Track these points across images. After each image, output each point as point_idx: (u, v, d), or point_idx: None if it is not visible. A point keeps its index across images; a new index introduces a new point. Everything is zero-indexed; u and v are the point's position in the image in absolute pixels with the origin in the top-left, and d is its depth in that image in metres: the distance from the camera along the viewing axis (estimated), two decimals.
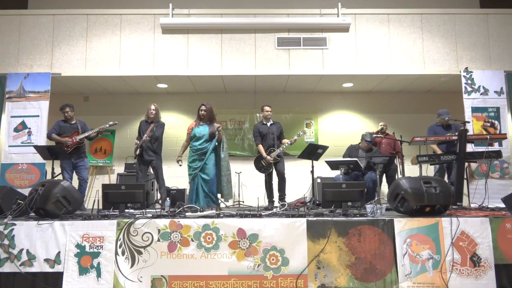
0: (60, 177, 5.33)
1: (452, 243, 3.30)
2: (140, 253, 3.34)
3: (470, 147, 5.13)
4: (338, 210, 3.80)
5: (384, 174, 5.74)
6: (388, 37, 6.34)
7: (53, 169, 5.19)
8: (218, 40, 6.32)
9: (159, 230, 3.37)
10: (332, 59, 6.29)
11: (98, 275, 3.28)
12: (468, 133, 5.02)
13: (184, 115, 7.57)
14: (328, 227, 3.36)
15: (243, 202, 6.90)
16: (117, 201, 3.78)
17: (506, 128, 6.05)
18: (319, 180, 6.54)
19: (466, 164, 5.44)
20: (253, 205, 5.99)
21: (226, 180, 5.04)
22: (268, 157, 5.48)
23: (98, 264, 3.30)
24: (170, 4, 6.26)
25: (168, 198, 4.49)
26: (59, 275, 3.28)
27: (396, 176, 5.86)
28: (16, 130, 5.97)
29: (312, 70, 6.29)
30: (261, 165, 5.58)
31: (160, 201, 5.67)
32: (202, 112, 5.02)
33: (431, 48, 6.31)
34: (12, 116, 6.00)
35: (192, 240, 3.35)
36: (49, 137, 5.54)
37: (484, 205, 4.60)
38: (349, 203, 3.75)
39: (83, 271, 3.28)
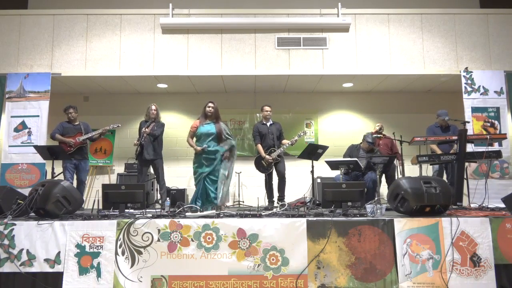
0: (60, 177, 5.34)
1: (452, 243, 3.30)
2: (140, 253, 3.34)
3: (470, 147, 5.13)
4: (338, 210, 3.80)
5: (384, 174, 5.74)
6: (388, 37, 6.34)
7: (53, 169, 5.21)
8: (218, 40, 6.32)
9: (159, 230, 3.37)
10: (332, 59, 6.30)
11: (98, 275, 3.28)
12: (468, 133, 5.02)
13: (184, 115, 7.57)
14: (328, 227, 3.36)
15: (243, 202, 6.90)
16: (117, 201, 3.78)
17: (506, 128, 6.05)
18: (319, 180, 6.54)
19: (466, 164, 5.44)
20: (253, 205, 6.00)
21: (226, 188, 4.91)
22: (267, 157, 5.48)
23: (98, 264, 3.30)
24: (170, 4, 6.27)
25: (168, 198, 4.50)
26: (59, 275, 3.28)
27: (396, 176, 5.86)
28: (16, 130, 5.98)
29: (312, 70, 6.29)
30: (261, 165, 5.58)
31: (160, 201, 5.68)
32: (210, 109, 4.92)
33: (431, 48, 6.31)
34: (12, 116, 6.00)
35: (192, 240, 3.35)
36: (52, 137, 5.58)
37: (484, 205, 4.59)
38: (349, 203, 3.75)
39: (83, 271, 3.28)
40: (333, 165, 5.15)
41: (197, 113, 7.35)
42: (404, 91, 7.47)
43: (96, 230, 3.38)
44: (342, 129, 7.53)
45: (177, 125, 7.45)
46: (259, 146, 5.61)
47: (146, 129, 5.39)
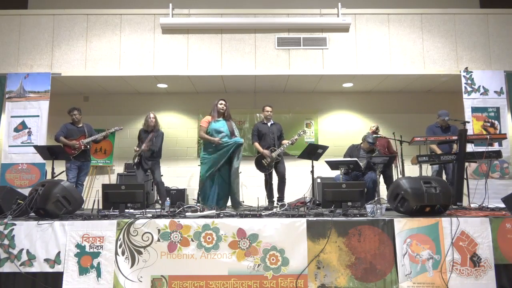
0: (60, 177, 5.34)
1: (452, 243, 3.30)
2: (140, 253, 3.34)
3: (470, 147, 5.13)
4: (338, 210, 3.80)
5: (382, 174, 5.74)
6: (388, 37, 6.34)
7: (53, 169, 5.22)
8: (218, 40, 6.32)
9: (159, 230, 3.37)
10: (332, 59, 6.30)
11: (98, 275, 3.28)
12: (468, 133, 5.02)
13: (184, 115, 7.57)
14: (328, 227, 3.36)
15: (243, 202, 6.89)
16: (117, 201, 3.78)
17: (506, 128, 6.05)
18: (319, 180, 6.54)
19: (466, 164, 5.44)
20: (253, 205, 5.99)
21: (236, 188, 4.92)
22: (266, 152, 5.48)
23: (98, 264, 3.30)
24: (170, 4, 6.26)
25: (168, 198, 4.50)
26: (59, 275, 3.28)
27: (395, 176, 5.86)
28: (16, 130, 5.98)
29: (312, 70, 6.29)
30: (261, 165, 5.58)
31: (160, 201, 5.69)
32: (223, 106, 5.03)
33: (431, 48, 6.31)
34: (12, 116, 6.00)
35: (192, 240, 3.35)
36: (57, 139, 5.62)
37: (484, 205, 4.59)
38: (349, 203, 3.75)
39: (83, 271, 3.28)
40: (333, 165, 5.15)
41: (197, 113, 7.41)
42: (404, 91, 7.47)
43: (96, 230, 3.38)
44: (342, 129, 7.53)
45: (177, 125, 7.45)
46: (257, 144, 5.61)
47: (145, 148, 5.42)
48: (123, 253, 3.34)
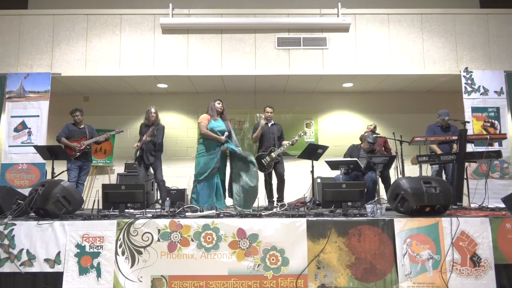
0: (60, 177, 5.34)
1: (452, 243, 3.30)
2: (140, 253, 3.34)
3: (470, 147, 5.13)
4: (338, 210, 3.80)
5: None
6: (388, 37, 6.34)
7: (53, 169, 5.22)
8: (218, 40, 6.32)
9: (159, 230, 3.37)
10: (332, 59, 6.29)
11: (98, 275, 3.28)
12: (468, 133, 5.02)
13: (184, 115, 7.57)
14: (328, 227, 3.36)
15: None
16: (117, 201, 3.78)
17: (506, 128, 6.05)
18: (319, 180, 6.54)
19: (466, 164, 5.44)
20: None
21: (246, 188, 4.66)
22: (262, 121, 5.61)
23: (98, 264, 3.30)
24: (170, 4, 6.26)
25: (168, 198, 4.49)
26: (59, 275, 3.28)
27: (395, 176, 5.86)
28: (16, 130, 5.97)
29: (312, 70, 6.29)
30: (261, 164, 5.57)
31: (160, 201, 5.69)
32: (221, 106, 5.03)
33: (431, 48, 6.31)
34: (12, 116, 6.00)
35: (192, 240, 3.35)
36: (58, 140, 5.64)
37: (484, 205, 4.59)
38: (349, 203, 3.75)
39: (83, 271, 3.28)
40: (333, 165, 5.15)
41: (197, 113, 7.41)
42: (404, 91, 7.47)
43: (96, 230, 3.38)
44: (342, 129, 7.53)
45: (177, 125, 7.46)
46: (255, 135, 5.64)
47: (147, 137, 5.42)
48: (123, 253, 3.34)
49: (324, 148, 5.34)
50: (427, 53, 6.29)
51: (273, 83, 6.95)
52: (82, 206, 4.46)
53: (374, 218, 3.45)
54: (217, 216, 3.64)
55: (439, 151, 5.58)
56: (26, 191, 4.00)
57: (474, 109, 6.08)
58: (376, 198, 4.42)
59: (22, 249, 3.32)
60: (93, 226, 3.40)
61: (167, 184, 5.86)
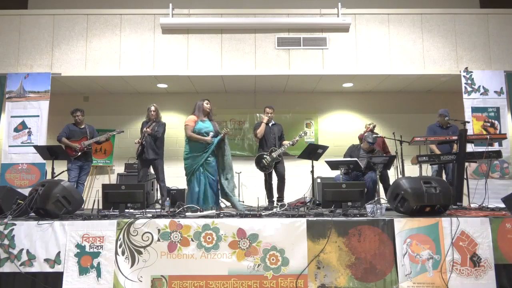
0: (60, 177, 5.34)
1: (452, 243, 3.30)
2: (140, 253, 3.34)
3: (470, 147, 5.13)
4: (338, 210, 3.80)
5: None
6: (388, 37, 6.34)
7: (53, 169, 5.22)
8: (218, 40, 6.32)
9: (159, 230, 3.37)
10: (332, 59, 6.29)
11: (98, 275, 3.28)
12: (468, 133, 5.02)
13: (184, 115, 7.55)
14: (328, 227, 3.36)
15: (243, 202, 6.89)
16: (117, 201, 3.78)
17: (506, 128, 6.05)
18: (319, 180, 6.54)
19: (466, 164, 5.44)
20: (253, 205, 5.99)
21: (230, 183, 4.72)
22: (267, 112, 5.61)
23: (98, 264, 3.30)
24: (170, 4, 6.26)
25: (168, 198, 4.49)
26: (59, 275, 3.28)
27: (395, 176, 5.86)
28: (16, 130, 5.97)
29: (312, 70, 6.29)
30: (261, 164, 5.58)
31: (160, 201, 5.69)
32: (209, 106, 4.90)
33: (431, 48, 6.31)
34: (12, 116, 6.00)
35: (192, 240, 3.35)
36: (59, 140, 5.64)
37: (484, 205, 4.59)
38: (349, 203, 3.75)
39: (83, 271, 3.28)
40: (333, 165, 5.15)
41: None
42: (404, 91, 7.47)
43: (96, 230, 3.38)
44: (342, 129, 7.53)
45: (177, 125, 7.44)
46: (261, 128, 5.61)
47: (148, 129, 5.42)
48: (123, 253, 3.34)
49: (324, 148, 5.34)
50: (427, 53, 6.29)
51: (273, 83, 6.95)
52: (82, 206, 4.46)
53: (374, 218, 3.45)
54: (217, 216, 3.64)
55: (437, 152, 5.58)
56: (26, 191, 4.00)
57: (474, 109, 6.08)
58: (376, 198, 4.42)
59: (22, 249, 3.32)
60: (93, 226, 3.39)
61: (167, 184, 5.86)
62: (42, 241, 3.34)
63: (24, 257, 3.31)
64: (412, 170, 6.36)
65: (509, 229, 3.37)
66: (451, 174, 5.54)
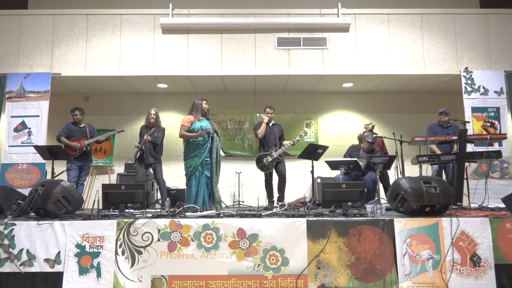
0: (60, 177, 5.34)
1: (452, 243, 3.30)
2: (140, 253, 3.34)
3: (470, 147, 5.13)
4: (338, 210, 3.80)
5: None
6: (388, 37, 6.34)
7: (53, 169, 5.21)
8: (218, 40, 6.32)
9: (159, 230, 3.37)
10: (332, 59, 6.30)
11: (98, 275, 3.28)
12: (468, 133, 5.02)
13: (184, 115, 7.45)
14: (328, 227, 3.36)
15: (243, 202, 6.90)
16: (117, 201, 3.78)
17: (506, 128, 6.05)
18: (319, 180, 6.54)
19: (466, 164, 5.44)
20: (253, 205, 5.99)
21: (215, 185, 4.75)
22: (268, 112, 5.60)
23: (98, 264, 3.30)
24: (170, 4, 6.27)
25: (168, 198, 4.49)
26: (59, 275, 3.28)
27: (395, 176, 5.86)
28: (16, 130, 5.97)
29: (312, 70, 6.29)
30: (262, 164, 5.58)
31: (160, 201, 5.69)
32: (207, 106, 4.89)
33: (431, 48, 6.31)
34: (12, 116, 6.00)
35: (192, 240, 3.35)
36: (58, 139, 5.60)
37: (484, 205, 4.59)
38: (349, 203, 3.75)
39: (83, 271, 3.28)
40: (333, 165, 5.15)
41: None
42: (404, 91, 7.47)
43: (96, 230, 3.38)
44: (342, 129, 7.53)
45: (177, 125, 7.34)
46: (262, 127, 5.61)
47: (148, 137, 5.43)
48: (123, 253, 3.34)
49: (324, 148, 5.34)
50: (427, 53, 6.29)
51: (273, 83, 6.95)
52: (82, 206, 4.46)
53: (374, 218, 3.45)
54: (217, 216, 3.64)
55: (438, 151, 5.58)
56: (26, 191, 4.00)
57: (474, 109, 6.08)
58: (376, 198, 4.42)
59: (22, 249, 3.32)
60: (93, 226, 3.40)
61: (167, 184, 5.86)
62: (42, 241, 3.34)
63: (24, 257, 3.31)
64: (412, 170, 6.36)
65: (509, 229, 3.37)
66: (451, 174, 5.54)
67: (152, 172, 5.78)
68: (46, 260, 3.31)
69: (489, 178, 5.61)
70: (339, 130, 7.54)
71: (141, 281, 3.28)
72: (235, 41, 6.31)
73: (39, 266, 3.30)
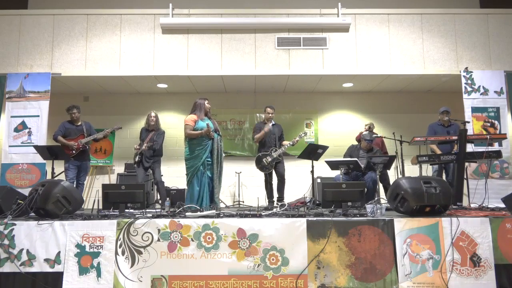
0: (60, 177, 5.34)
1: (452, 243, 3.30)
2: (140, 253, 3.34)
3: (470, 147, 5.13)
4: (338, 210, 3.80)
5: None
6: (388, 37, 6.34)
7: (53, 169, 5.21)
8: (218, 40, 6.32)
9: (159, 230, 3.37)
10: (332, 59, 6.30)
11: (98, 275, 3.28)
12: (468, 133, 5.02)
13: (184, 115, 7.53)
14: (328, 227, 3.36)
15: (243, 202, 6.90)
16: (117, 201, 3.78)
17: (506, 128, 6.05)
18: (319, 180, 6.54)
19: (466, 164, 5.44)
20: (253, 205, 6.00)
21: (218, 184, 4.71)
22: (267, 128, 5.52)
23: (98, 264, 3.30)
24: (170, 4, 6.27)
25: (168, 198, 4.49)
26: (59, 275, 3.28)
27: (395, 176, 5.86)
28: (16, 130, 5.98)
29: (312, 70, 6.29)
30: (262, 164, 5.58)
31: (160, 201, 5.69)
32: (209, 106, 4.85)
33: (431, 48, 6.31)
34: (12, 116, 6.00)
35: (192, 240, 3.35)
36: (55, 139, 5.53)
37: (484, 205, 4.59)
38: (349, 203, 3.75)
39: (83, 271, 3.28)
40: (333, 165, 5.15)
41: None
42: (404, 91, 7.47)
43: (96, 230, 3.38)
44: (342, 129, 7.53)
45: (177, 125, 7.45)
46: (258, 136, 5.59)
47: (145, 147, 5.44)
48: (123, 253, 3.34)
49: (324, 148, 5.34)
50: (427, 53, 6.29)
51: (273, 83, 6.96)
52: (82, 206, 4.45)
53: (374, 218, 3.45)
54: (217, 216, 3.64)
55: (438, 151, 5.58)
56: (26, 191, 3.99)
57: (474, 109, 6.08)
58: (376, 198, 4.42)
59: (22, 249, 3.32)
60: (93, 226, 3.40)
61: (167, 184, 5.86)
62: (42, 241, 3.34)
63: (24, 257, 3.31)
64: (412, 170, 6.37)
65: (509, 229, 3.37)
66: (451, 174, 5.54)
67: (151, 173, 5.79)
68: (46, 260, 3.31)
69: (489, 178, 5.61)
70: (339, 130, 7.54)
71: (141, 281, 3.28)
72: (235, 41, 6.31)
73: (39, 266, 3.30)
